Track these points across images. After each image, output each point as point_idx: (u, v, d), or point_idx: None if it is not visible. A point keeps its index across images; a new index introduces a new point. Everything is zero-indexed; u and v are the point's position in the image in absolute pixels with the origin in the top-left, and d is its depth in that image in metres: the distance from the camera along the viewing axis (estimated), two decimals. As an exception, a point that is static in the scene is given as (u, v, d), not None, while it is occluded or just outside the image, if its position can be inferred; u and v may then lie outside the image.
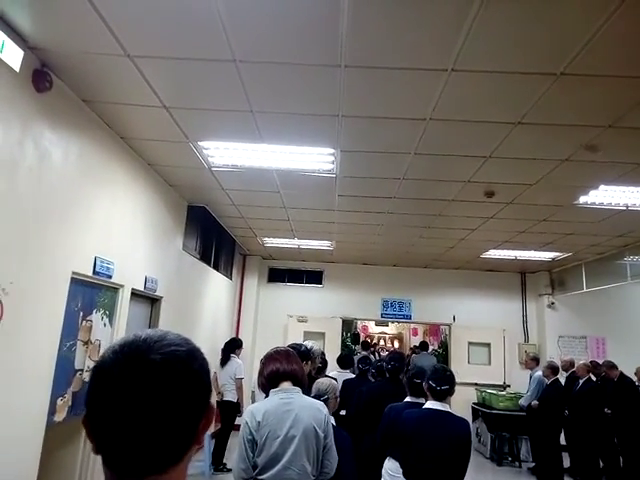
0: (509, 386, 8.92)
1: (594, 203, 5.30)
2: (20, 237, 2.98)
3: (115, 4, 2.49)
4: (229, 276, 8.64)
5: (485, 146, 4.02)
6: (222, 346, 6.76)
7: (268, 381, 2.43)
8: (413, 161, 4.41)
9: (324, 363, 5.34)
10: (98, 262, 3.87)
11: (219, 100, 3.48)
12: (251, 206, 6.28)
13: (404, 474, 3.02)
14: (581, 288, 8.28)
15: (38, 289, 3.16)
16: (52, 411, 3.41)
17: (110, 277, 4.10)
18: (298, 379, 2.44)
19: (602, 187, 4.81)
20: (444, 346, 10.60)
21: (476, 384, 8.90)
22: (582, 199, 5.19)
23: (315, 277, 9.91)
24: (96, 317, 3.99)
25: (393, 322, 11.31)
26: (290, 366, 2.44)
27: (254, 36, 2.69)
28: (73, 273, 3.54)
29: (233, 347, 6.66)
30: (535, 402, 7.05)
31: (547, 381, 6.99)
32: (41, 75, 3.02)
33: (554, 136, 3.76)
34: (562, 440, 6.88)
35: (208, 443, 6.21)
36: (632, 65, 2.79)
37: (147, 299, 5.20)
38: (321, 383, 2.96)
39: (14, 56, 2.75)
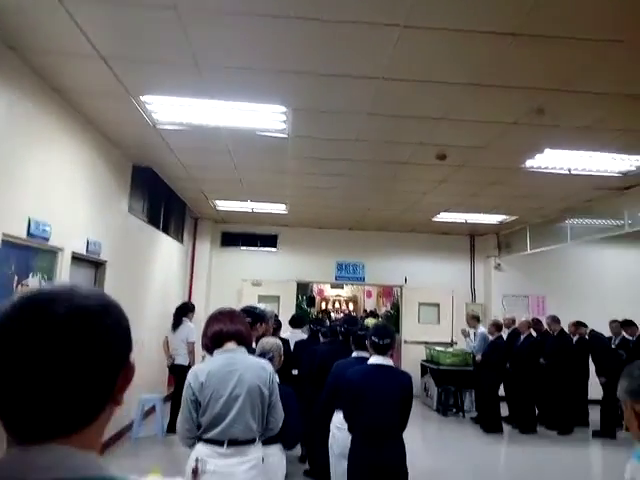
0: (456, 343, 9.34)
1: (540, 167, 5.46)
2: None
3: None
4: (180, 240, 8.41)
5: (438, 107, 4.00)
6: (175, 306, 6.66)
7: (212, 341, 2.40)
8: (366, 122, 4.35)
9: (278, 324, 5.38)
10: (32, 224, 3.62)
11: (161, 51, 3.25)
12: (201, 167, 6.06)
13: (349, 429, 3.10)
14: (525, 249, 8.65)
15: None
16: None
17: (47, 240, 3.86)
18: (243, 339, 2.42)
19: (547, 150, 4.94)
20: (396, 307, 10.91)
21: (425, 342, 9.27)
22: (529, 163, 5.32)
23: (270, 241, 9.83)
24: (33, 281, 3.77)
25: (347, 284, 11.47)
26: (234, 326, 2.41)
27: (195, -21, 2.50)
28: (3, 235, 3.30)
29: (185, 311, 6.57)
30: (478, 357, 7.43)
31: (491, 337, 7.36)
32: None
33: (505, 99, 3.78)
34: (502, 392, 7.34)
35: (160, 406, 6.18)
36: (582, 27, 2.80)
37: (90, 263, 4.97)
38: (265, 342, 2.97)
39: None
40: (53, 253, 4.10)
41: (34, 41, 3.18)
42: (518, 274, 9.62)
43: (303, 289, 12.83)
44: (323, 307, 15.57)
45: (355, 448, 2.94)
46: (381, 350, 3.08)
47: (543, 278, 9.55)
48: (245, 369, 2.33)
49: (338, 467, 3.34)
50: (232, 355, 2.36)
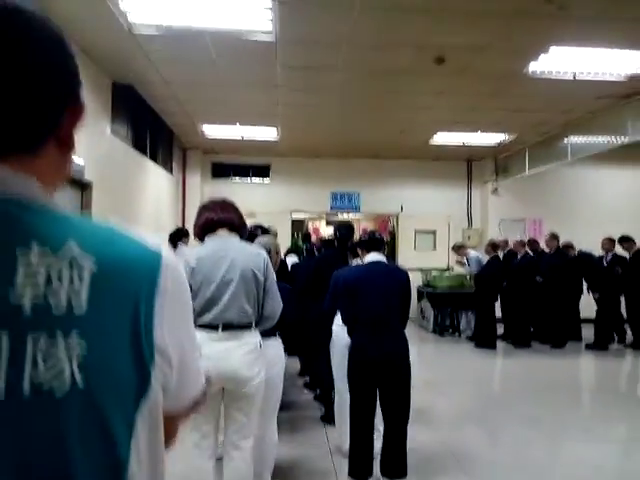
0: (452, 269, 9.36)
1: (543, 72, 5.18)
2: None
3: None
4: (169, 170, 8.15)
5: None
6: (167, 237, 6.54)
7: (202, 230, 2.29)
8: (359, 19, 4.02)
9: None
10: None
11: None
12: (185, 84, 5.72)
13: (348, 332, 3.02)
14: (524, 171, 8.47)
15: None
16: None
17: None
18: (235, 227, 2.29)
19: (552, 49, 4.65)
20: (392, 236, 10.86)
21: (422, 269, 9.27)
22: (532, 66, 5.03)
23: (262, 171, 9.58)
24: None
25: (342, 213, 11.34)
26: (226, 214, 2.28)
27: None
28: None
29: (179, 235, 6.45)
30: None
31: (487, 257, 7.35)
32: None
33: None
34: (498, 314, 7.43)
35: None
36: None
37: (76, 184, 4.77)
38: (261, 239, 2.88)
39: None
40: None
41: None
42: (515, 198, 9.50)
43: (298, 227, 12.71)
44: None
45: (356, 343, 2.89)
46: (375, 245, 3.00)
47: (540, 201, 9.44)
48: (237, 254, 2.23)
49: (340, 366, 3.31)
50: (224, 241, 2.26)
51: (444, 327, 8.25)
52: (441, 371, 6.14)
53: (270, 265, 2.34)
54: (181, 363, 0.63)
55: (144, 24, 4.19)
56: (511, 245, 7.87)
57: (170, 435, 0.69)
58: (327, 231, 16.34)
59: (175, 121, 7.32)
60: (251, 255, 2.28)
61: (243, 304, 2.20)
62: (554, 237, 7.39)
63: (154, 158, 7.11)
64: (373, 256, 2.96)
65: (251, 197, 9.45)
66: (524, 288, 7.20)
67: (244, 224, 2.40)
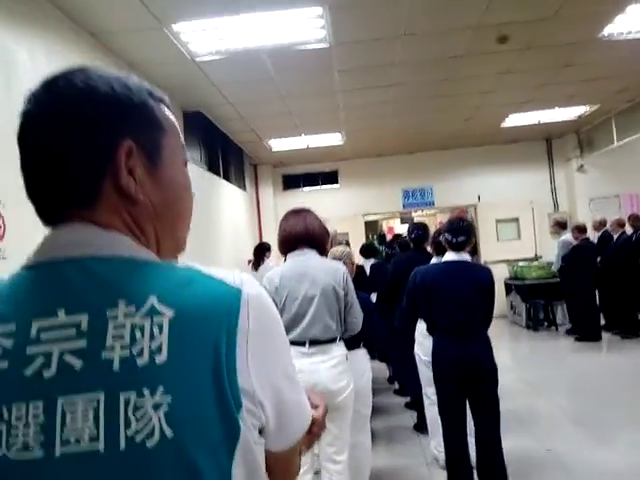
0: (541, 257, 8.78)
1: (621, 33, 4.74)
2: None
3: None
4: (243, 187, 8.47)
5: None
6: (248, 254, 6.86)
7: (283, 245, 2.39)
8: (412, 9, 3.93)
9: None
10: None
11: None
12: (248, 102, 5.92)
13: (428, 330, 2.95)
14: (611, 143, 7.77)
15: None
16: None
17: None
18: (315, 240, 2.34)
19: (630, 8, 4.23)
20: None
21: (507, 260, 8.79)
22: (607, 29, 4.62)
23: (330, 178, 9.65)
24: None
25: (416, 211, 11.08)
26: (305, 226, 2.34)
27: None
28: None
29: (263, 250, 6.84)
30: (554, 267, 7.01)
31: (574, 242, 6.79)
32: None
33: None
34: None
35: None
36: None
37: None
38: (335, 250, 2.89)
39: None
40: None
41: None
42: (605, 173, 8.67)
43: (372, 228, 12.62)
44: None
45: (438, 347, 2.80)
46: (456, 247, 2.86)
47: (634, 174, 8.57)
48: (317, 270, 2.30)
49: (426, 373, 3.23)
50: (304, 257, 2.34)
51: (538, 321, 7.72)
52: (540, 370, 5.69)
53: (349, 278, 2.39)
54: (279, 402, 0.60)
55: (204, 51, 4.40)
56: (608, 226, 7.18)
57: (288, 473, 0.68)
58: (402, 229, 16.16)
59: (243, 139, 7.60)
60: (330, 270, 2.33)
61: (326, 319, 2.27)
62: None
63: (227, 177, 7.42)
64: (453, 255, 2.83)
65: (322, 204, 9.45)
66: (625, 271, 6.56)
67: (325, 232, 2.42)
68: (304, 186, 9.69)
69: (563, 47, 4.95)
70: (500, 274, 8.66)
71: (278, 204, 9.61)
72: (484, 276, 2.84)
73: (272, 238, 9.26)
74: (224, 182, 7.28)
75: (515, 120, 7.57)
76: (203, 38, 4.15)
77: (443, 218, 14.28)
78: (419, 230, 4.12)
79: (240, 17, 3.82)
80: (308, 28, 4.14)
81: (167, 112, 0.70)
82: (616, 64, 5.54)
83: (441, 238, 3.01)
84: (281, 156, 8.79)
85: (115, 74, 0.66)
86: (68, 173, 0.60)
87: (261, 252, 6.88)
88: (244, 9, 3.70)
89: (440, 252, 3.35)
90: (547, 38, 4.67)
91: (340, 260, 2.81)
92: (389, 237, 15.43)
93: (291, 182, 9.70)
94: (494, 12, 4.09)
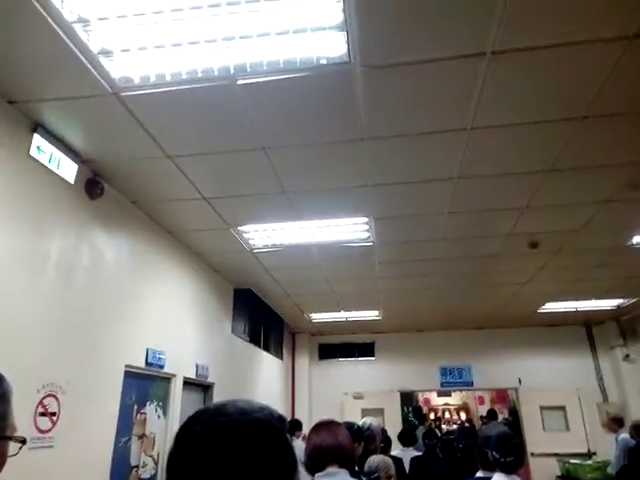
0: (595, 453, 8.03)
1: (649, 242, 5.04)
2: (77, 335, 3.12)
3: (152, 112, 2.77)
4: (280, 356, 8.56)
5: (520, 197, 3.97)
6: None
7: (311, 459, 2.27)
8: (448, 221, 4.41)
9: (387, 441, 4.95)
10: (150, 353, 3.96)
11: (253, 186, 3.68)
12: (295, 283, 6.36)
13: None
14: (656, 334, 7.63)
15: (94, 385, 3.24)
16: (110, 511, 3.35)
17: (162, 367, 4.16)
18: (345, 457, 2.28)
19: (654, 225, 4.59)
20: (513, 413, 9.81)
21: (556, 454, 8.07)
22: (636, 239, 4.94)
23: (367, 349, 9.65)
24: (150, 409, 4.01)
25: (454, 391, 10.65)
26: (334, 440, 2.27)
27: (279, 123, 2.89)
28: (126, 366, 3.62)
29: (293, 429, 6.52)
30: (610, 470, 6.34)
31: (633, 442, 6.26)
32: (93, 184, 3.32)
33: (591, 179, 3.68)
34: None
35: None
36: (655, 100, 2.77)
37: (199, 386, 5.19)
38: (372, 460, 2.81)
39: (69, 170, 3.06)
40: (167, 380, 4.37)
41: (150, 194, 3.77)
42: (655, 364, 8.36)
43: (407, 399, 12.07)
44: (432, 417, 14.35)
45: None
46: (505, 469, 2.72)
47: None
48: None
49: None
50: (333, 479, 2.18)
51: (600, 534, 6.76)
52: None
53: None
54: None
55: (262, 245, 4.94)
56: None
57: None
58: (439, 400, 15.26)
59: (286, 312, 7.95)
60: None
61: None
62: None
63: (267, 347, 7.58)
64: (502, 477, 2.68)
65: (358, 376, 9.41)
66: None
67: (353, 449, 2.40)
68: (340, 357, 9.67)
69: (593, 251, 5.27)
70: (550, 469, 7.90)
71: (313, 373, 9.54)
72: None
73: (304, 409, 9.02)
74: (264, 353, 7.44)
75: (552, 306, 7.67)
76: (263, 236, 4.71)
77: (483, 393, 13.57)
78: (468, 440, 3.94)
79: (298, 223, 4.38)
80: (355, 231, 4.66)
81: None
82: (648, 265, 5.77)
83: (489, 455, 2.90)
84: (320, 326, 9.01)
85: (259, 408, 0.78)
86: None
87: (292, 430, 6.62)
88: (303, 217, 4.26)
89: (486, 466, 3.20)
90: (576, 245, 5.02)
91: (377, 472, 2.74)
92: (425, 409, 14.63)
93: (327, 352, 9.74)
94: (525, 224, 4.51)
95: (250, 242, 4.83)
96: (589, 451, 8.15)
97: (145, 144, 3.05)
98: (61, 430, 2.86)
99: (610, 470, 6.68)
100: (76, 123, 2.86)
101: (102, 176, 3.43)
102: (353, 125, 2.91)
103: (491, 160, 3.39)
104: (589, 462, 7.36)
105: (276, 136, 3.02)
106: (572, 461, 7.47)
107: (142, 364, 3.86)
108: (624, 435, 6.58)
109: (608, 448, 7.43)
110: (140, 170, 3.42)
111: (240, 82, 2.52)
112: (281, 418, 0.78)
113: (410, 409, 12.20)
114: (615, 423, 6.91)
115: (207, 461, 0.68)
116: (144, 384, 3.98)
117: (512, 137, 3.10)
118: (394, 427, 7.62)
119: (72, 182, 3.08)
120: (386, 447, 4.80)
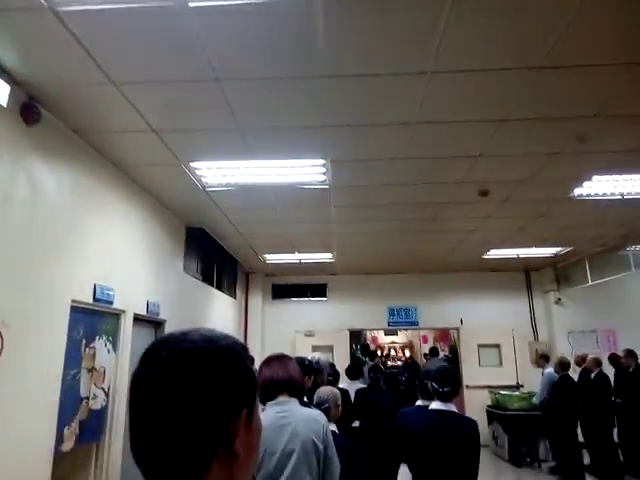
0: (522, 386, 8.81)
1: (589, 195, 5.30)
2: (16, 269, 3.00)
3: (95, 33, 2.54)
4: (233, 295, 8.63)
5: (474, 145, 4.04)
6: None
7: (262, 391, 2.31)
8: (403, 167, 4.44)
9: (335, 375, 5.21)
10: (98, 289, 3.88)
11: (206, 120, 3.53)
12: (249, 224, 6.31)
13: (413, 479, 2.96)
14: (586, 282, 8.24)
15: (38, 319, 3.17)
16: (60, 441, 3.39)
17: (111, 303, 4.11)
18: (295, 388, 2.38)
19: (595, 178, 4.82)
20: (454, 350, 10.52)
21: (489, 386, 8.80)
22: (577, 191, 5.18)
23: (319, 290, 9.90)
24: (99, 343, 3.99)
25: (400, 330, 11.22)
26: (285, 373, 2.33)
27: (234, 54, 2.74)
28: (72, 301, 3.55)
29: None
30: (535, 400, 7.03)
31: (557, 377, 6.92)
32: (29, 108, 3.07)
33: (542, 130, 3.77)
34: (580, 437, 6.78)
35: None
36: (605, 54, 2.82)
37: (150, 323, 5.19)
38: (322, 391, 2.93)
39: (0, 91, 2.80)
40: (117, 316, 4.33)
41: (94, 123, 3.54)
42: (582, 308, 9.06)
43: (356, 338, 12.62)
44: (379, 354, 15.15)
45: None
46: (443, 397, 2.96)
47: (611, 310, 8.93)
48: (298, 422, 2.24)
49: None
50: (284, 407, 2.29)
51: (520, 455, 7.55)
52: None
53: (329, 431, 2.33)
54: None
55: (216, 183, 4.82)
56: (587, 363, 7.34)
57: None
58: (386, 339, 16.10)
59: (239, 252, 7.94)
60: (310, 422, 2.28)
61: (305, 477, 2.18)
62: (631, 355, 6.88)
63: (220, 287, 7.61)
64: (439, 405, 2.91)
65: (310, 316, 9.70)
66: (602, 411, 6.62)
67: (304, 382, 2.50)
68: (293, 297, 9.88)
69: (538, 202, 5.50)
70: (482, 400, 8.64)
71: (266, 312, 9.73)
72: (469, 431, 2.87)
73: (256, 346, 9.25)
74: (216, 291, 7.46)
75: (496, 253, 8.06)
76: (216, 174, 4.59)
77: (427, 332, 14.39)
78: (411, 374, 4.20)
79: (253, 162, 4.28)
80: (311, 173, 4.61)
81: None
82: (586, 217, 6.11)
83: (429, 386, 3.11)
84: (273, 267, 9.09)
85: (212, 338, 0.73)
86: (180, 451, 0.66)
87: None
88: (258, 155, 4.16)
89: (425, 395, 3.46)
90: (523, 195, 5.21)
91: (326, 402, 2.89)
92: (372, 347, 15.41)
93: (280, 292, 9.91)
94: (477, 173, 4.62)
95: (203, 180, 4.70)
96: (518, 384, 8.93)
97: (87, 68, 2.82)
98: (5, 362, 2.81)
99: (535, 400, 7.39)
100: (6, 39, 2.59)
101: (40, 101, 3.17)
102: (313, 60, 2.80)
103: (449, 106, 3.39)
104: (516, 393, 8.09)
105: (231, 67, 2.87)
106: (502, 392, 8.19)
107: (90, 300, 3.79)
108: (549, 370, 7.26)
109: (534, 381, 8.19)
110: (82, 96, 3.18)
111: (191, 4, 2.34)
112: (243, 346, 0.79)
113: (358, 347, 12.83)
114: (542, 359, 7.59)
115: (173, 385, 0.67)
116: (92, 319, 3.93)
117: (471, 84, 3.09)
118: (343, 363, 7.99)
119: (4, 105, 2.83)
120: (334, 380, 5.06)
